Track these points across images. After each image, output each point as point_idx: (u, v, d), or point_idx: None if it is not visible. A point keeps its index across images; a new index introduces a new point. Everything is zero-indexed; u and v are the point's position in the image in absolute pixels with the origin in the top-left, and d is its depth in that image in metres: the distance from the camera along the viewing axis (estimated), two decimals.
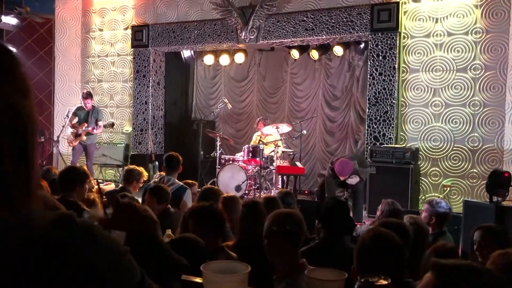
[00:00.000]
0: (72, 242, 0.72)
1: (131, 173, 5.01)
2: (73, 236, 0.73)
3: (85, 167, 5.64)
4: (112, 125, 8.35)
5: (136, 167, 5.17)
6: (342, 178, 6.05)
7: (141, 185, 4.99)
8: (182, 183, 4.76)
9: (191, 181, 4.87)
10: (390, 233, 1.84)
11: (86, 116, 8.13)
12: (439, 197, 6.88)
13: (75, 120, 8.15)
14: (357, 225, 4.47)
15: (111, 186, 5.50)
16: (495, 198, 4.29)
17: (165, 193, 4.05)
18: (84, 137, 8.07)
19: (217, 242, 2.56)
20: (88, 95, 8.16)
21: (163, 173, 5.16)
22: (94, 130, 8.06)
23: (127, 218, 1.99)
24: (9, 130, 0.73)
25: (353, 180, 6.06)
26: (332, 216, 2.79)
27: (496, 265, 1.92)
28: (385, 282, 1.14)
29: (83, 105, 8.18)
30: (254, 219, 2.77)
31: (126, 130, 9.67)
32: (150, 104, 9.33)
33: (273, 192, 7.73)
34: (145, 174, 5.20)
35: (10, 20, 8.94)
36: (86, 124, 8.04)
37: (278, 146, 7.88)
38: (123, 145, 9.48)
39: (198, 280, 1.49)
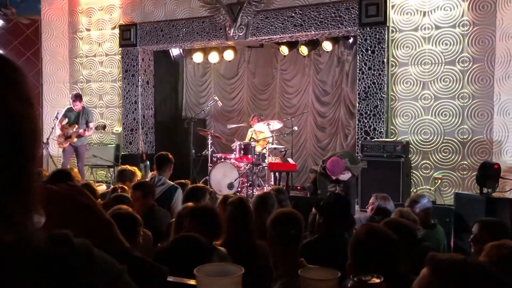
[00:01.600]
0: (70, 263, 0.70)
1: (124, 173, 5.00)
2: (71, 256, 0.71)
3: (76, 169, 5.62)
4: (104, 127, 8.31)
5: (129, 167, 5.16)
6: (333, 177, 6.07)
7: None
8: (173, 183, 4.75)
9: (184, 181, 4.85)
10: (384, 228, 1.85)
11: (76, 117, 8.03)
12: (430, 189, 6.94)
13: (65, 121, 8.05)
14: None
15: (103, 188, 5.47)
16: (485, 190, 4.33)
17: (147, 186, 4.03)
18: (75, 139, 8.00)
19: (212, 242, 2.56)
20: (76, 97, 8.05)
21: (154, 173, 5.15)
22: (86, 133, 7.96)
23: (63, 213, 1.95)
24: (7, 140, 0.71)
25: (345, 176, 6.09)
26: (334, 211, 2.80)
27: (490, 257, 1.94)
28: (377, 281, 1.14)
29: (72, 106, 8.10)
30: (242, 217, 2.79)
31: (116, 130, 9.61)
32: (139, 103, 9.29)
33: (266, 189, 7.74)
34: (139, 174, 5.20)
35: None
36: (76, 126, 7.96)
37: (269, 142, 7.89)
38: (114, 145, 9.43)
39: (192, 282, 1.49)
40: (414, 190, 7.05)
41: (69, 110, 8.14)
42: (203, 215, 2.51)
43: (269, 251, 2.30)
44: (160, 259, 2.02)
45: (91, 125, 8.06)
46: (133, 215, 2.63)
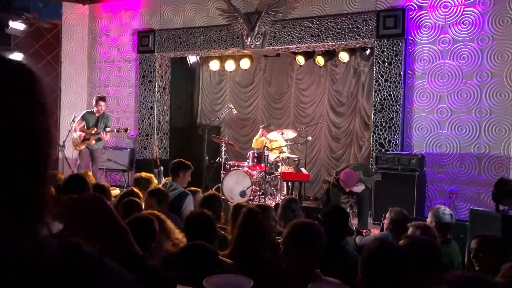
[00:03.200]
0: (81, 272, 0.71)
1: (139, 181, 5.01)
2: (82, 266, 0.71)
3: (90, 172, 5.66)
4: (126, 130, 8.35)
5: (145, 174, 5.16)
6: (347, 189, 6.03)
7: None
8: (184, 189, 4.76)
9: (194, 189, 4.86)
10: (396, 243, 1.83)
11: (95, 121, 8.12)
12: (445, 204, 6.84)
13: (82, 124, 8.15)
14: (363, 233, 4.45)
15: (116, 192, 5.49)
16: (501, 207, 4.26)
17: (163, 194, 4.06)
18: (93, 141, 8.07)
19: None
20: (101, 99, 8.16)
21: (169, 179, 5.17)
22: (106, 137, 8.02)
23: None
24: (23, 146, 0.72)
25: (358, 188, 6.05)
26: (328, 221, 2.80)
27: (507, 278, 1.90)
28: None
29: (94, 110, 8.16)
30: (252, 228, 2.79)
31: (131, 135, 9.70)
32: (155, 109, 9.36)
33: (278, 198, 7.72)
34: (155, 181, 5.17)
35: (18, 26, 9.01)
36: (95, 129, 8.04)
37: (283, 152, 7.87)
38: (129, 150, 9.50)
39: None
40: (429, 204, 6.96)
41: (89, 113, 8.23)
42: (197, 222, 2.51)
43: (284, 262, 2.29)
44: (169, 265, 2.02)
45: (108, 129, 8.12)
46: (151, 220, 2.64)
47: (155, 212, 3.17)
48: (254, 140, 8.80)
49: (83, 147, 8.11)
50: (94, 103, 8.23)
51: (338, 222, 2.82)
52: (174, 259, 2.03)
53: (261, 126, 8.84)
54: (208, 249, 2.00)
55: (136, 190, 4.28)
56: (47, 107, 0.78)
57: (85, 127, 8.11)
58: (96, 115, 8.12)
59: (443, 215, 3.73)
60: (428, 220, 3.83)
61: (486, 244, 2.82)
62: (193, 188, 5.01)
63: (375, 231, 5.20)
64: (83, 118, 8.18)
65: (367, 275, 1.75)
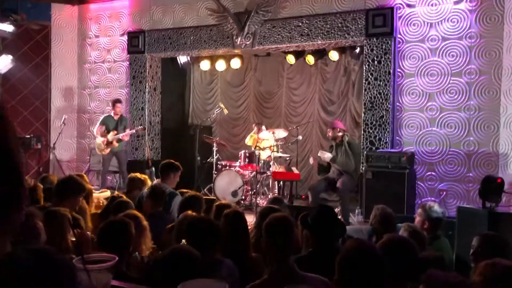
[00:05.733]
0: (54, 279, 0.72)
1: (133, 181, 5.03)
2: (55, 272, 0.72)
3: (85, 176, 5.62)
4: (144, 128, 8.74)
5: (139, 175, 5.17)
6: (329, 133, 6.93)
7: None
8: (172, 189, 4.77)
9: (185, 191, 4.87)
10: (372, 245, 1.85)
11: (115, 125, 8.38)
12: (435, 201, 6.88)
13: (103, 129, 8.36)
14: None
15: (107, 194, 5.48)
16: (488, 204, 4.30)
17: (159, 192, 4.11)
18: (116, 144, 8.31)
19: (214, 254, 2.56)
20: (116, 101, 8.48)
21: (160, 180, 5.17)
22: (125, 137, 8.39)
23: None
24: None
25: (327, 156, 6.80)
26: (320, 223, 2.80)
27: (484, 276, 1.93)
28: None
29: (112, 113, 8.47)
30: (236, 231, 2.80)
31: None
32: (146, 110, 9.34)
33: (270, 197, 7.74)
34: (149, 182, 5.19)
35: (6, 27, 8.95)
36: (116, 132, 8.31)
37: (274, 151, 7.89)
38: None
39: None
40: (419, 202, 7.01)
41: (108, 117, 8.50)
42: (202, 229, 2.52)
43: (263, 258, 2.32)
44: (156, 268, 2.03)
45: (127, 130, 8.44)
46: (127, 223, 2.66)
47: (135, 212, 3.19)
48: (248, 137, 8.83)
49: (108, 150, 8.34)
50: (111, 106, 8.60)
51: (329, 222, 2.84)
52: (157, 262, 2.04)
53: (254, 124, 8.87)
54: (192, 253, 2.02)
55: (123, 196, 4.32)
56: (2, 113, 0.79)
57: (106, 132, 8.32)
58: (115, 118, 8.43)
59: (432, 211, 3.77)
60: (417, 217, 3.86)
61: (487, 242, 2.84)
62: (183, 190, 5.00)
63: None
64: (103, 123, 8.42)
65: (343, 276, 1.76)
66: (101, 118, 8.62)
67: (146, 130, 8.92)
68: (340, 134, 6.88)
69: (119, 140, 8.34)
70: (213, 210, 3.61)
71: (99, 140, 8.35)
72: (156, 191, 4.22)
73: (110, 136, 8.25)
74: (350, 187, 6.76)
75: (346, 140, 6.83)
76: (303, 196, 8.82)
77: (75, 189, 3.68)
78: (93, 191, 4.88)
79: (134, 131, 8.57)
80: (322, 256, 2.67)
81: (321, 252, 2.70)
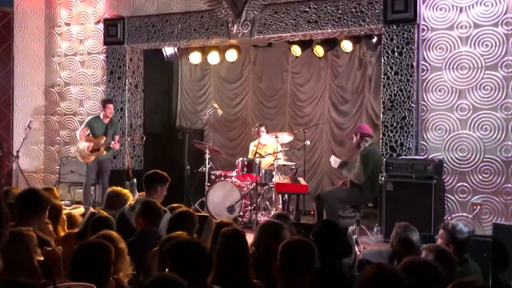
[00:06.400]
0: None
1: (118, 198, 5.03)
2: None
3: (55, 189, 5.62)
4: (142, 138, 8.71)
5: (121, 189, 5.19)
6: (355, 138, 6.97)
7: None
8: (161, 206, 4.77)
9: (177, 205, 4.88)
10: (395, 271, 1.86)
11: (104, 129, 8.36)
12: (467, 217, 6.90)
13: (88, 132, 8.34)
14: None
15: (81, 210, 5.48)
16: None
17: (154, 209, 4.12)
18: (104, 151, 8.32)
19: (204, 282, 2.58)
20: (109, 101, 8.56)
21: (143, 194, 5.18)
22: (116, 146, 8.37)
23: None
24: None
25: (335, 162, 6.97)
26: (325, 239, 2.85)
27: None
28: None
29: (101, 115, 8.43)
30: (235, 252, 2.83)
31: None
32: (126, 110, 9.37)
33: (273, 213, 7.74)
34: (131, 198, 5.19)
35: None
36: (105, 138, 8.29)
37: (278, 158, 7.91)
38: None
39: None
40: (449, 218, 7.02)
41: (95, 120, 8.48)
42: (187, 254, 2.54)
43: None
44: None
45: (117, 137, 8.41)
46: (106, 247, 2.67)
47: (111, 233, 3.20)
48: (251, 149, 8.74)
49: (92, 158, 8.30)
50: (101, 107, 8.56)
51: (330, 240, 2.87)
52: None
53: (254, 128, 8.73)
54: (177, 282, 2.05)
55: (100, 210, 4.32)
56: None
57: (91, 135, 8.30)
58: (104, 121, 8.39)
59: (457, 232, 3.77)
60: (439, 239, 3.86)
61: None
62: (175, 205, 4.99)
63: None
64: (89, 125, 8.39)
65: None
66: (87, 119, 8.62)
67: (143, 138, 8.82)
68: (361, 139, 6.86)
69: (108, 148, 8.32)
70: (211, 229, 3.64)
71: (82, 145, 8.34)
72: (151, 207, 4.20)
73: (99, 142, 8.22)
74: (344, 199, 6.79)
75: (363, 147, 6.81)
76: (312, 212, 8.82)
77: (37, 206, 3.67)
78: (64, 207, 4.90)
79: (129, 139, 8.61)
80: (325, 276, 2.72)
81: (324, 272, 2.76)
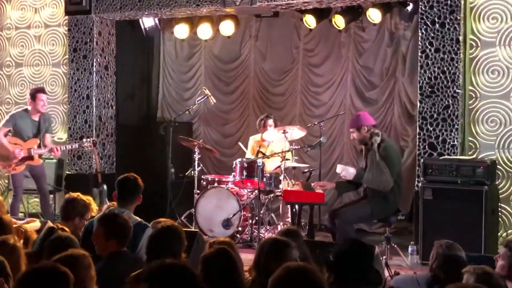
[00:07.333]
0: None
1: (73, 206, 5.05)
2: None
3: (6, 216, 5.63)
4: (94, 143, 8.34)
5: (80, 196, 5.21)
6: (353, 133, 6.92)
7: (86, 222, 5.02)
8: (140, 220, 4.78)
9: (163, 220, 4.88)
10: None
11: (36, 127, 8.13)
12: None
13: (7, 130, 8.05)
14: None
15: (36, 225, 5.50)
16: None
17: (121, 225, 4.12)
18: (40, 161, 8.15)
19: None
20: (41, 90, 8.29)
21: (114, 204, 5.19)
22: (58, 153, 8.10)
23: None
24: None
25: (347, 171, 6.92)
26: (346, 264, 2.84)
27: None
28: None
29: (28, 108, 8.16)
30: (224, 275, 2.86)
31: (58, 138, 9.69)
32: (94, 98, 9.37)
33: (280, 228, 7.73)
34: (94, 206, 5.25)
35: None
36: (38, 141, 8.08)
37: (286, 159, 7.90)
38: (54, 161, 9.47)
39: None
40: (504, 234, 7.02)
41: (21, 115, 8.19)
42: (172, 281, 2.54)
43: None
44: None
45: (49, 138, 8.23)
46: (64, 275, 2.66)
47: (78, 251, 3.20)
48: (250, 146, 8.75)
49: (22, 168, 8.05)
50: (29, 98, 8.23)
51: (356, 265, 2.86)
52: None
53: (259, 120, 8.72)
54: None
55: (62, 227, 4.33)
56: None
57: (22, 139, 8.03)
58: (34, 117, 8.12)
59: None
60: (500, 260, 3.85)
61: None
62: (161, 220, 5.00)
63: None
64: (13, 122, 8.08)
65: None
66: (9, 115, 8.38)
67: (96, 143, 8.51)
68: (368, 134, 6.78)
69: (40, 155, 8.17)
70: (202, 247, 3.65)
71: (10, 150, 7.95)
72: (117, 222, 4.20)
73: (31, 147, 7.98)
74: (365, 218, 6.78)
75: (378, 143, 6.72)
76: None
77: None
78: (14, 221, 4.90)
79: (77, 145, 8.40)
80: None
81: None
